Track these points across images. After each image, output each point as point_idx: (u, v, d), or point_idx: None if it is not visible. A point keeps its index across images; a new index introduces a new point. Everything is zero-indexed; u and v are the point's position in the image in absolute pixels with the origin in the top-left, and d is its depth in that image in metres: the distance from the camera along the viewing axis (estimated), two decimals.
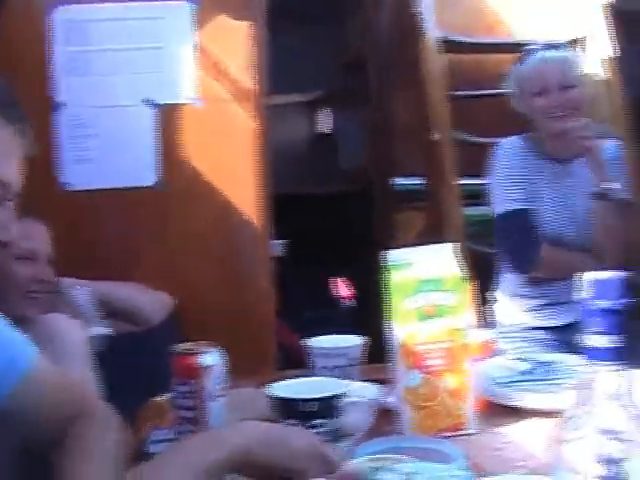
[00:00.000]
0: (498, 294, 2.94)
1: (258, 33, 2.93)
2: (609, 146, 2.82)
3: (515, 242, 2.79)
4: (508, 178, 2.80)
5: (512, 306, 2.87)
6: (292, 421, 1.28)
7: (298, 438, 1.11)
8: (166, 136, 2.90)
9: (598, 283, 0.76)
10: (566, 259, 2.74)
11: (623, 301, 0.75)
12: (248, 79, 2.91)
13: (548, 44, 2.94)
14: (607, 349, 0.76)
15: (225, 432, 1.15)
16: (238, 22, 2.92)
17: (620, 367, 0.76)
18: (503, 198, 2.79)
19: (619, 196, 2.80)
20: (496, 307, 2.93)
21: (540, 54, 2.82)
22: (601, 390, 0.77)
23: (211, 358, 1.39)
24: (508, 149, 2.85)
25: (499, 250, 2.88)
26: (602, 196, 2.76)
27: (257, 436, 1.08)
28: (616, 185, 2.79)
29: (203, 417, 1.37)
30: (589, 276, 0.77)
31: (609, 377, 0.77)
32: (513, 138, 2.90)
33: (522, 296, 2.85)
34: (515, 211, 2.76)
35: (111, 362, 2.04)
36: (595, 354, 0.77)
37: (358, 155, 4.59)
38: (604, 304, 0.75)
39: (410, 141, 3.70)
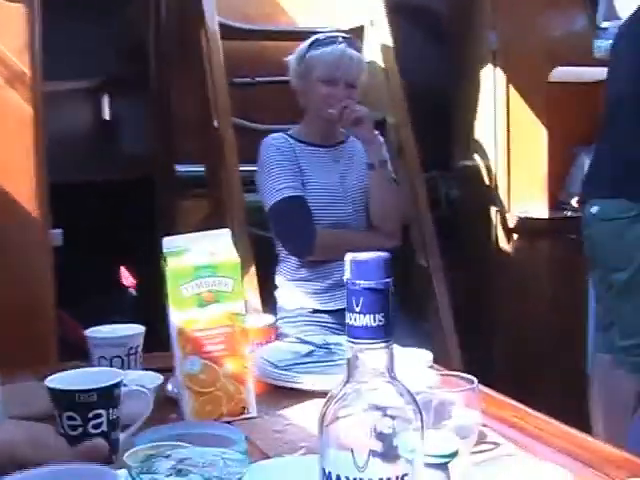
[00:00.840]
0: (280, 279, 2.98)
1: (33, 15, 2.83)
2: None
3: (289, 228, 2.85)
4: (277, 169, 2.86)
5: (293, 290, 2.92)
6: (71, 413, 1.25)
7: (56, 437, 1.09)
8: None
9: (359, 263, 0.78)
10: (342, 241, 2.82)
11: (384, 280, 0.78)
12: (23, 63, 2.81)
13: (332, 33, 3.01)
14: (370, 327, 0.78)
15: None
16: (12, 3, 2.81)
17: (383, 344, 0.79)
18: (274, 189, 2.84)
19: (387, 165, 2.94)
20: (278, 292, 2.97)
21: (340, 47, 2.88)
22: (367, 367, 0.79)
23: None
24: (273, 145, 2.91)
25: (276, 236, 2.93)
26: (374, 165, 2.88)
27: (21, 434, 1.04)
28: (385, 153, 2.93)
29: None
30: (350, 257, 0.78)
31: (374, 354, 0.79)
32: (277, 134, 2.97)
33: (302, 280, 2.90)
34: (287, 198, 2.82)
35: None
36: (359, 332, 0.78)
37: (140, 142, 4.53)
38: (365, 284, 0.77)
39: (192, 128, 3.69)
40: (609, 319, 3.00)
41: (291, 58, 3.02)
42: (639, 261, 2.83)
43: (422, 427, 0.81)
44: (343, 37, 2.96)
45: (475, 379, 1.27)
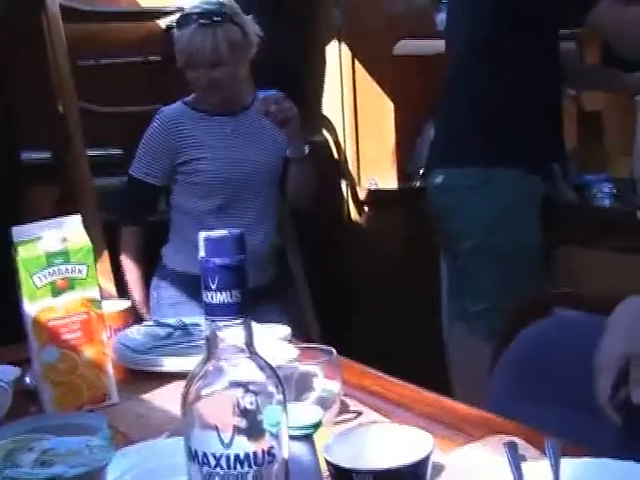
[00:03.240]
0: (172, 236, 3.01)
1: None
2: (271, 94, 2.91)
3: (125, 205, 2.91)
4: (149, 149, 2.86)
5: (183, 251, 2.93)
6: None
7: None
8: None
9: (213, 241, 0.79)
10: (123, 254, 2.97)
11: (239, 257, 0.79)
12: None
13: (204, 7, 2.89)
14: (227, 304, 0.79)
15: None
16: None
17: (241, 320, 0.80)
18: (136, 164, 2.86)
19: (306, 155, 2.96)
20: (166, 249, 3.00)
21: (187, 30, 2.81)
22: (227, 344, 0.80)
23: None
24: (163, 119, 2.89)
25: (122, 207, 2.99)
26: (300, 159, 2.90)
27: None
28: (307, 147, 2.94)
29: None
30: (203, 235, 0.79)
31: (231, 331, 0.80)
32: (176, 104, 2.94)
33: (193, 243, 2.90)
34: (135, 179, 2.86)
35: None
36: (216, 310, 0.79)
37: None
38: (220, 261, 0.78)
39: (37, 114, 3.59)
40: (459, 286, 3.07)
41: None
42: (482, 229, 2.91)
43: (284, 401, 0.82)
44: (198, 13, 2.84)
45: (334, 350, 1.29)
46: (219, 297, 0.78)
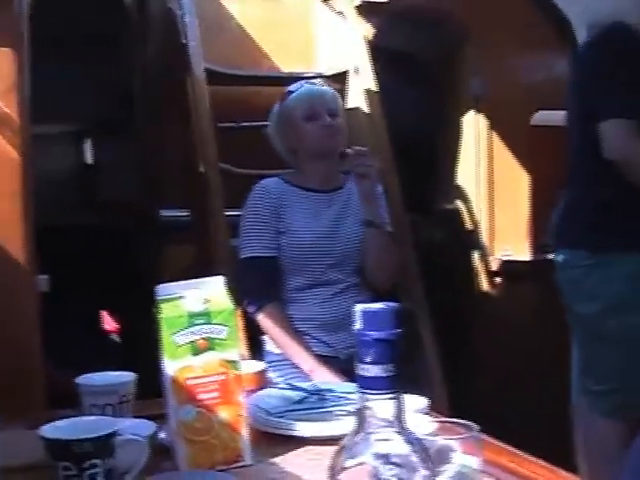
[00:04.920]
0: None
1: (20, 59, 2.83)
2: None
3: (248, 288, 2.85)
4: (255, 222, 2.87)
5: None
6: (66, 463, 1.24)
7: None
8: None
9: (370, 314, 0.78)
10: (274, 331, 2.84)
11: (395, 331, 0.78)
12: (9, 107, 2.81)
13: (311, 79, 3.07)
14: (380, 378, 0.78)
15: None
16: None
17: (393, 395, 0.79)
18: (247, 243, 2.86)
19: (387, 226, 2.95)
20: (265, 336, 2.96)
21: (305, 87, 2.94)
22: (376, 417, 0.80)
23: None
24: (261, 192, 2.91)
25: (240, 290, 2.87)
26: (373, 223, 2.89)
27: None
28: (384, 213, 2.95)
29: None
30: (361, 307, 0.79)
31: (383, 405, 0.79)
32: (273, 179, 2.98)
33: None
34: (255, 258, 2.85)
35: None
36: (369, 383, 0.79)
37: (125, 187, 4.53)
38: (376, 334, 0.77)
39: (177, 173, 3.69)
40: (582, 363, 3.06)
41: (272, 112, 3.05)
42: (599, 312, 2.92)
43: (431, 476, 0.81)
44: (306, 80, 3.05)
45: (475, 425, 1.26)
46: (373, 370, 0.78)
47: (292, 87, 3.01)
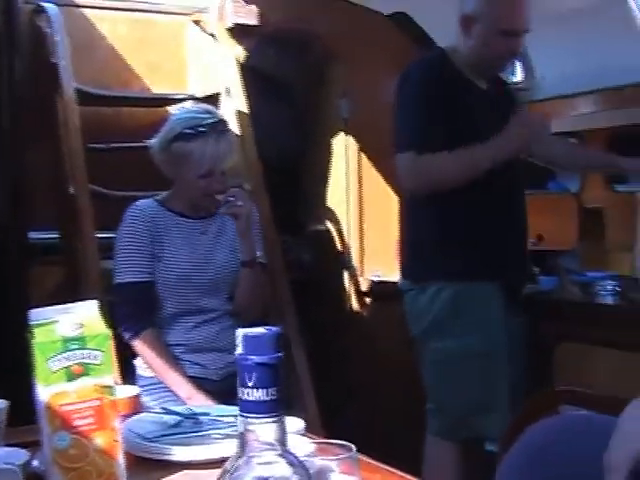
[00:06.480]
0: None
1: None
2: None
3: (124, 312, 2.81)
4: (130, 245, 2.83)
5: None
6: None
7: None
8: None
9: (251, 338, 0.80)
10: (150, 358, 2.83)
11: (276, 355, 0.80)
12: None
13: (197, 118, 2.90)
14: (262, 402, 0.79)
15: None
16: None
17: (275, 418, 0.80)
18: (122, 267, 2.82)
19: (260, 258, 2.97)
20: (137, 360, 2.93)
21: (211, 141, 2.82)
22: (258, 441, 0.81)
23: None
24: (138, 213, 2.87)
25: (114, 315, 2.83)
26: (248, 263, 2.90)
27: None
28: (260, 251, 2.96)
29: None
30: (242, 331, 0.80)
31: (265, 428, 0.80)
32: (147, 200, 2.94)
33: None
34: (130, 283, 2.81)
35: None
36: (251, 407, 0.80)
37: None
38: (258, 359, 0.79)
39: (46, 194, 3.62)
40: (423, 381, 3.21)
41: (154, 144, 2.93)
42: (421, 329, 3.11)
43: None
44: (208, 124, 2.85)
45: (353, 446, 1.29)
46: (255, 394, 0.79)
47: (185, 127, 2.85)
